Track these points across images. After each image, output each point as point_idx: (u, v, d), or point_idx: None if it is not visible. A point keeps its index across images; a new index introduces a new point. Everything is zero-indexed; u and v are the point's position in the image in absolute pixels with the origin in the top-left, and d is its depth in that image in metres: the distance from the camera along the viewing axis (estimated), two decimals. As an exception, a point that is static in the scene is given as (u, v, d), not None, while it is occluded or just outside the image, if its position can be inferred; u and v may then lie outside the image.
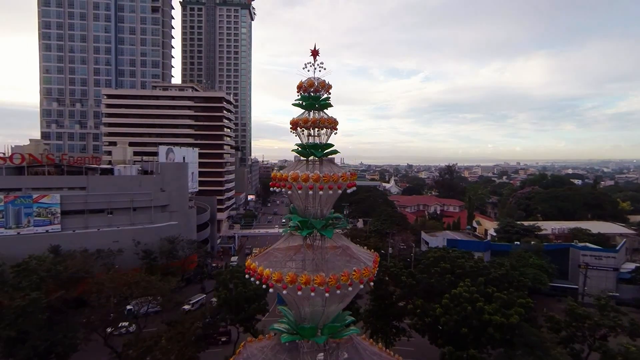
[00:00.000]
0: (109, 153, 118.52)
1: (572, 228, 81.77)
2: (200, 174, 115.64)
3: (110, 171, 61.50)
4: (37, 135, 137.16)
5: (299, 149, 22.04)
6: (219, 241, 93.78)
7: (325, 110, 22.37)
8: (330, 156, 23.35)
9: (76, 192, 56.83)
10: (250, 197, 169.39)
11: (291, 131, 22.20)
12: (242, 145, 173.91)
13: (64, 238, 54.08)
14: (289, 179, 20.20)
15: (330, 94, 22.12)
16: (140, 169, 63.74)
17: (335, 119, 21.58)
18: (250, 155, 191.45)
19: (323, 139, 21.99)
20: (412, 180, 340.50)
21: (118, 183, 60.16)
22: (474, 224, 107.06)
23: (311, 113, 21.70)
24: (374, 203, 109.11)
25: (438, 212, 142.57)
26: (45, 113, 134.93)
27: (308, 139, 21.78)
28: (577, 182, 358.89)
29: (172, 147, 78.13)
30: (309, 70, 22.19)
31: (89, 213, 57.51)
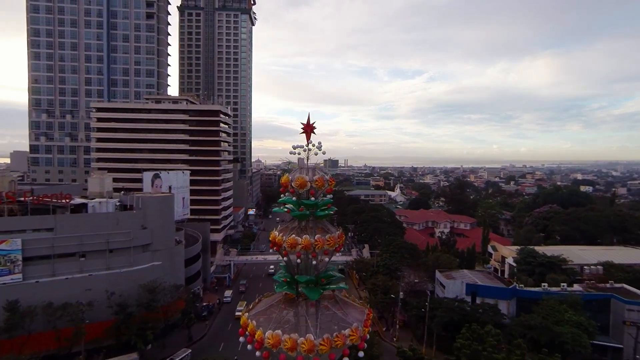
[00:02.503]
0: (101, 170, 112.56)
1: (603, 263, 73.59)
2: (195, 192, 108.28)
3: (83, 207, 54.16)
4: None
5: (285, 279, 14.42)
6: (212, 268, 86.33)
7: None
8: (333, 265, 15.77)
9: (42, 235, 49.48)
10: (250, 211, 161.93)
11: (272, 249, 14.64)
12: (242, 156, 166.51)
13: (25, 290, 46.73)
14: (265, 343, 12.60)
15: (332, 192, 14.56)
16: (118, 203, 56.38)
17: (339, 237, 13.93)
18: (251, 165, 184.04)
19: (321, 265, 14.35)
20: (418, 187, 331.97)
21: (92, 222, 52.75)
22: (490, 249, 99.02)
23: (303, 223, 14.11)
24: (381, 225, 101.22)
25: (448, 230, 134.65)
26: (33, 125, 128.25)
27: (298, 264, 14.13)
28: (588, 189, 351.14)
29: (158, 171, 70.90)
30: (299, 154, 14.70)
31: (57, 258, 50.16)
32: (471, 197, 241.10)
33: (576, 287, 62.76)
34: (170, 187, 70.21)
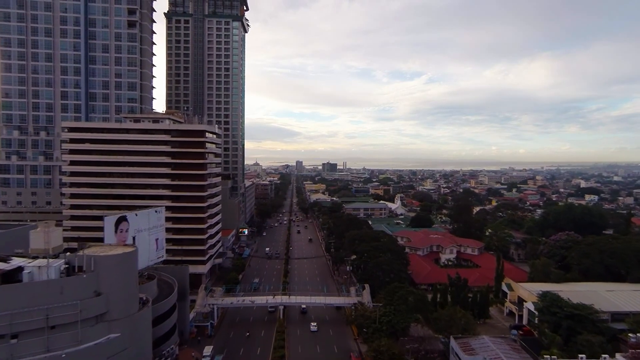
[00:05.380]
0: (74, 195, 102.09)
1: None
2: (178, 220, 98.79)
3: (17, 273, 43.81)
4: None
5: None
6: (192, 316, 75.94)
7: None
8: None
9: (-41, 316, 39.15)
10: (242, 231, 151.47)
11: None
12: (234, 172, 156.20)
13: None
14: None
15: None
16: (64, 266, 46.10)
17: None
18: (243, 181, 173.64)
19: None
20: (418, 196, 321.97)
21: (27, 294, 42.24)
22: (504, 287, 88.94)
23: None
24: (383, 259, 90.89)
25: (454, 255, 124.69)
26: (4, 143, 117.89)
27: None
28: (594, 197, 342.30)
29: (125, 213, 60.59)
30: None
31: (-21, 343, 39.86)
32: (475, 209, 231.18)
33: (619, 357, 52.74)
34: (134, 239, 59.84)
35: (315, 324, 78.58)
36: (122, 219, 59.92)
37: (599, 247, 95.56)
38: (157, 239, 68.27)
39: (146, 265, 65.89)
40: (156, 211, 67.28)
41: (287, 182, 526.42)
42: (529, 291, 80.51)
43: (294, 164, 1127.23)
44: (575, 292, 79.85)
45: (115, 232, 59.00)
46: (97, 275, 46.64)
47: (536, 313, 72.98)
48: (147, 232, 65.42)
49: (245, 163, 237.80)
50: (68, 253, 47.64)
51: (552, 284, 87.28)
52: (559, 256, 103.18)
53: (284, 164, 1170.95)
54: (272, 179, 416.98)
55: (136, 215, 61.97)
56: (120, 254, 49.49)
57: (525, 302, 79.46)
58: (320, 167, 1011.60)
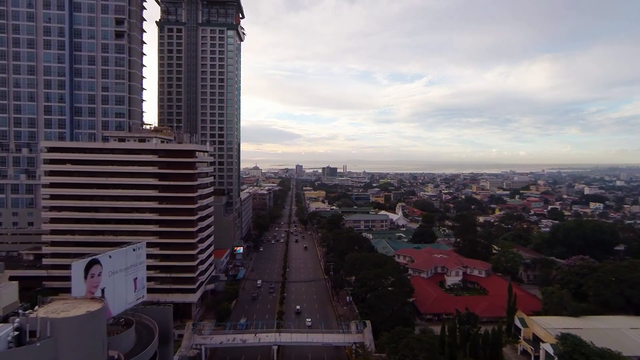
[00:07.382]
0: (54, 220, 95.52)
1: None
2: (166, 246, 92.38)
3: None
4: None
5: None
6: (176, 359, 69.11)
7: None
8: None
9: None
10: (237, 249, 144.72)
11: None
12: (229, 187, 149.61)
13: None
14: None
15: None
16: (13, 335, 39.43)
17: None
18: (239, 196, 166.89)
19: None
20: (420, 205, 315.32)
21: (-34, 372, 35.79)
22: (517, 322, 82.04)
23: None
24: (386, 290, 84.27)
25: (460, 278, 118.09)
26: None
27: None
28: (599, 205, 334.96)
29: (97, 256, 53.82)
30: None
31: None
32: (479, 220, 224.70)
33: None
34: (103, 291, 53.31)
35: (299, 306, 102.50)
36: (94, 262, 53.07)
37: (618, 276, 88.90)
38: (135, 279, 61.35)
39: (123, 309, 59.06)
40: (134, 249, 60.41)
41: (287, 188, 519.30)
42: (546, 329, 73.77)
43: (294, 167, 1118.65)
44: (597, 330, 73.31)
45: (86, 277, 52.19)
46: (54, 341, 39.71)
47: (555, 358, 66.24)
48: (123, 273, 58.63)
49: (244, 167, 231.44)
50: (21, 314, 40.78)
51: (569, 319, 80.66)
52: (574, 283, 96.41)
53: (284, 167, 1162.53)
54: (271, 185, 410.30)
55: (110, 257, 55.12)
56: (83, 314, 42.55)
57: (542, 342, 72.69)
58: (320, 171, 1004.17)
